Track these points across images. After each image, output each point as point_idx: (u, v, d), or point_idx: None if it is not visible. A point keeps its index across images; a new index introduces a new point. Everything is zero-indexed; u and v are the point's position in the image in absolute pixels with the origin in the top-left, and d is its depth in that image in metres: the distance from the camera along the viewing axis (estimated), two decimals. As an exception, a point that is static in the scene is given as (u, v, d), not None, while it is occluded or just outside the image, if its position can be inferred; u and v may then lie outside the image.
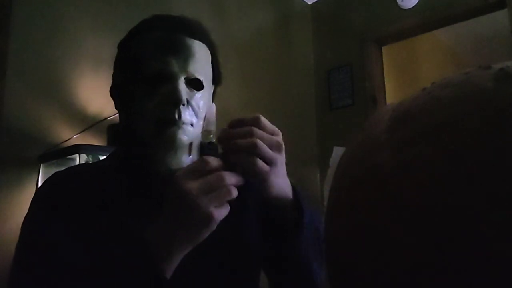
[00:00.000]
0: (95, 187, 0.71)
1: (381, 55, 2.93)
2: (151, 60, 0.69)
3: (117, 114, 0.78)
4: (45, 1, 1.83)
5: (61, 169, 0.76)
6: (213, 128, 0.72)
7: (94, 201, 0.68)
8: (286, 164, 0.66)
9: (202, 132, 0.72)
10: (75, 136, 1.76)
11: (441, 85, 0.26)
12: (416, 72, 3.56)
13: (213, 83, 0.79)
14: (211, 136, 0.71)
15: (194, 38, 0.72)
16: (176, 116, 0.68)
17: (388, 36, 2.84)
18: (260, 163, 0.59)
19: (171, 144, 0.69)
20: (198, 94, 0.72)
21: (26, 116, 1.72)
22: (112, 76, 0.77)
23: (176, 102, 0.67)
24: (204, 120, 0.73)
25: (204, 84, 0.73)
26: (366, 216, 0.25)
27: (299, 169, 2.75)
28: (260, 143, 0.59)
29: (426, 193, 0.22)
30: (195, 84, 0.71)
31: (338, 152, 2.44)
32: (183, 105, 0.68)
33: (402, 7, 2.70)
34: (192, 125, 0.70)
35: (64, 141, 1.74)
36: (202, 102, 0.72)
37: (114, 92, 0.76)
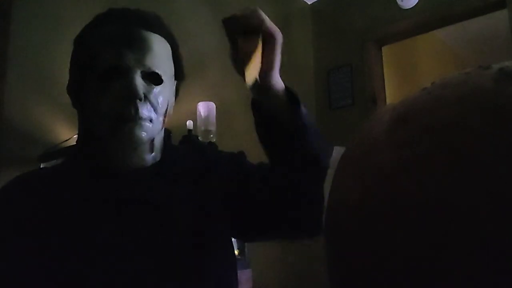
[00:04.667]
0: (49, 193, 0.68)
1: (381, 55, 2.93)
2: (106, 55, 0.66)
3: None
4: (45, 1, 1.83)
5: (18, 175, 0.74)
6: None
7: (46, 209, 0.66)
8: None
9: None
10: (75, 136, 1.76)
11: (441, 85, 0.26)
12: (416, 72, 3.56)
13: (175, 79, 0.76)
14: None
15: (152, 32, 0.69)
16: (133, 112, 0.65)
17: (388, 36, 2.84)
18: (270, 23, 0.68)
19: (128, 141, 0.66)
20: (157, 89, 0.69)
21: (26, 116, 1.72)
22: (69, 73, 0.75)
23: (131, 96, 0.65)
24: (165, 116, 0.71)
25: (164, 78, 0.70)
26: (366, 216, 0.25)
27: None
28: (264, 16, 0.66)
29: (426, 193, 0.22)
30: (153, 78, 0.68)
31: (338, 152, 2.43)
32: (140, 100, 0.65)
33: (402, 7, 2.70)
34: (151, 121, 0.67)
35: (64, 141, 1.74)
36: (161, 97, 0.69)
37: (71, 90, 0.74)
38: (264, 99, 0.71)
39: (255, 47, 0.65)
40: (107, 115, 0.65)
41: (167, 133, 0.82)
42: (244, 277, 2.06)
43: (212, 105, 2.08)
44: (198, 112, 2.05)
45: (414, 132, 0.24)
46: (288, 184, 0.70)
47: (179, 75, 0.77)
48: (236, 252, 2.10)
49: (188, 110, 2.04)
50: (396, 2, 2.71)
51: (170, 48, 0.73)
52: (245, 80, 0.63)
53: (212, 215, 0.71)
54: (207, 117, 2.00)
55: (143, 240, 0.65)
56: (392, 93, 2.93)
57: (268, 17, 0.66)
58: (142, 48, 0.67)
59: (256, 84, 0.64)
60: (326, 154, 0.71)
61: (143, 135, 0.66)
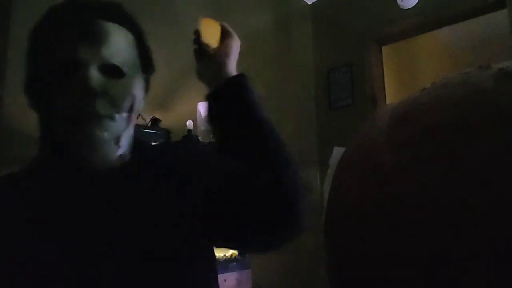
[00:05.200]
0: (9, 201, 0.64)
1: (381, 55, 2.93)
2: (59, 49, 0.61)
3: None
4: (45, 1, 1.83)
5: None
6: None
7: (8, 217, 0.62)
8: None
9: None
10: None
11: (441, 85, 0.26)
12: (416, 72, 3.56)
13: (143, 72, 0.69)
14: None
15: (109, 21, 0.63)
16: (90, 110, 0.59)
17: (388, 36, 2.84)
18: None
19: (89, 142, 0.60)
20: (117, 83, 0.62)
21: (26, 116, 1.72)
22: (25, 71, 0.68)
23: (88, 93, 0.59)
24: (131, 112, 0.65)
25: (125, 71, 0.63)
26: (366, 215, 0.25)
27: (299, 169, 2.74)
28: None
29: (425, 192, 0.22)
30: (112, 72, 0.62)
31: (338, 152, 2.44)
32: (98, 96, 0.60)
33: (402, 7, 2.70)
34: (112, 118, 0.62)
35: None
36: (123, 91, 0.63)
37: (26, 89, 0.67)
38: (219, 90, 0.69)
39: (217, 29, 0.75)
40: (64, 115, 0.60)
41: (167, 133, 0.80)
42: (244, 277, 2.06)
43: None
44: (198, 112, 2.05)
45: (414, 132, 0.24)
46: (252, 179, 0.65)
47: (147, 67, 0.70)
48: (236, 252, 2.11)
49: (188, 110, 2.04)
50: (396, 2, 2.71)
51: (132, 38, 0.66)
52: (198, 56, 0.70)
53: (181, 217, 0.66)
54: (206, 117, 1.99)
55: (104, 245, 0.61)
56: (392, 93, 2.93)
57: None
58: (98, 39, 0.61)
59: (215, 50, 0.71)
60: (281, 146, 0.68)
61: (105, 135, 0.61)
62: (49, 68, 0.61)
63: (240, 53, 0.76)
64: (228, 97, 0.69)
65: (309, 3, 3.22)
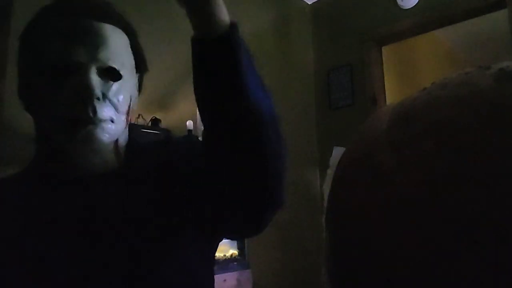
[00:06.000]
0: (7, 204, 0.63)
1: (381, 55, 2.93)
2: (54, 51, 0.59)
3: None
4: (47, 1, 1.83)
5: None
6: None
7: (5, 219, 0.61)
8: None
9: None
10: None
11: (441, 85, 0.26)
12: (416, 72, 3.56)
13: (137, 71, 0.69)
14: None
15: (105, 22, 0.62)
16: (91, 114, 0.58)
17: (388, 36, 2.84)
18: None
19: (89, 145, 0.60)
20: (116, 85, 0.62)
21: (26, 116, 1.72)
22: (17, 74, 0.68)
23: (88, 97, 0.58)
24: (128, 113, 0.64)
25: (123, 73, 0.63)
26: (366, 215, 0.25)
27: (299, 169, 2.75)
28: None
29: (425, 192, 0.22)
30: (111, 74, 0.62)
31: (338, 152, 2.44)
32: (98, 99, 0.59)
33: (402, 7, 2.70)
34: (112, 121, 0.61)
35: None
36: (121, 93, 0.63)
37: (21, 93, 0.67)
38: (206, 31, 0.53)
39: None
40: (61, 119, 0.59)
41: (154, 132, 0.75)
42: (244, 277, 2.06)
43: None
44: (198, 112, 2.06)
45: (414, 132, 0.24)
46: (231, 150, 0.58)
47: (140, 67, 0.69)
48: (236, 252, 2.11)
49: (188, 110, 2.05)
50: (396, 2, 2.71)
51: (127, 39, 0.65)
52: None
53: (177, 216, 0.64)
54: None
55: (105, 249, 0.60)
56: (392, 93, 2.93)
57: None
58: (95, 41, 0.60)
59: None
60: (269, 105, 0.58)
61: (106, 138, 0.61)
62: (43, 71, 0.60)
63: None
64: (216, 60, 0.54)
65: (309, 3, 3.22)
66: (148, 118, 1.84)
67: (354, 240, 0.26)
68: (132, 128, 0.74)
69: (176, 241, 0.64)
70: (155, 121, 1.87)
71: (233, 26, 0.54)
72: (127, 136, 0.69)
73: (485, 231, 0.20)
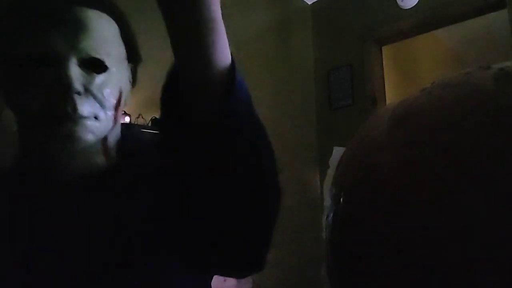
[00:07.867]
0: None
1: (381, 55, 2.93)
2: (28, 40, 0.52)
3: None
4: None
5: None
6: None
7: None
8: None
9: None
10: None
11: (441, 85, 0.26)
12: (416, 72, 3.56)
13: (129, 62, 0.62)
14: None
15: (88, 7, 0.54)
16: (70, 110, 0.52)
17: (388, 36, 2.84)
18: None
19: (69, 145, 0.53)
20: (100, 78, 0.55)
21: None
22: None
23: (65, 91, 0.51)
24: (118, 109, 0.58)
25: (109, 64, 0.56)
26: (365, 215, 0.25)
27: (299, 169, 2.75)
28: None
29: (425, 192, 0.22)
30: (94, 66, 0.54)
31: (338, 152, 2.44)
32: (78, 93, 0.52)
33: (402, 7, 2.70)
34: (96, 118, 0.54)
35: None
36: (107, 87, 0.56)
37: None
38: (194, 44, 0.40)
39: None
40: (37, 115, 0.53)
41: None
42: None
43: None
44: (198, 112, 2.05)
45: (414, 132, 0.24)
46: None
47: (133, 57, 0.62)
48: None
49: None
50: (396, 2, 2.71)
51: (116, 26, 0.58)
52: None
53: (164, 247, 0.57)
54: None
55: (81, 259, 0.54)
56: (392, 93, 2.93)
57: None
58: (76, 29, 0.53)
59: None
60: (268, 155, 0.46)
61: (89, 136, 0.54)
62: (16, 61, 0.54)
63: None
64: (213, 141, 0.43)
65: (309, 3, 3.22)
66: (148, 118, 1.84)
67: (353, 240, 0.26)
68: (131, 127, 0.69)
69: (163, 273, 0.57)
70: (155, 121, 1.87)
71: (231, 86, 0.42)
72: (119, 134, 0.62)
73: (485, 231, 0.20)
